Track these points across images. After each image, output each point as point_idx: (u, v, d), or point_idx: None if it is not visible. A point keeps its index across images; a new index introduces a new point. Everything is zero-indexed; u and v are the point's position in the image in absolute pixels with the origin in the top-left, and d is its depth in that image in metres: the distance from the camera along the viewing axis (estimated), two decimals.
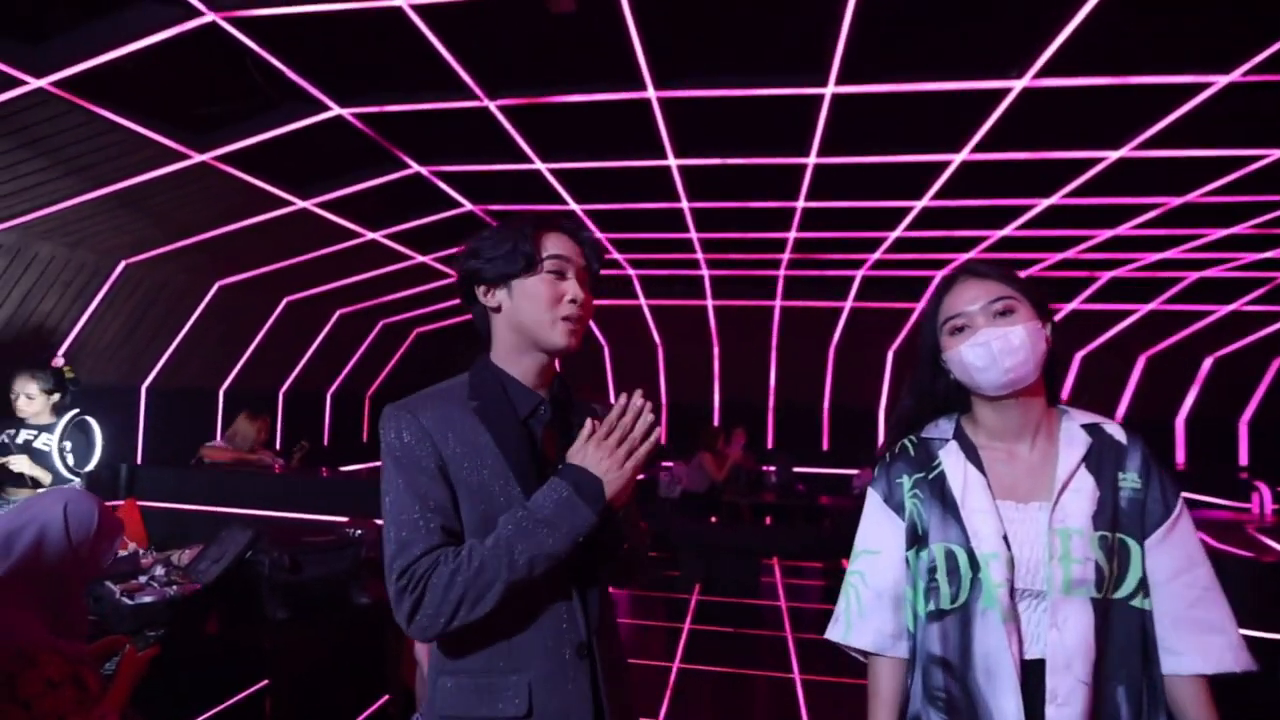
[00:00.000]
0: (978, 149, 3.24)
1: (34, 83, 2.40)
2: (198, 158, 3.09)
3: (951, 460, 1.11)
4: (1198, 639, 1.00)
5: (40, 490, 2.95)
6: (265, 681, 2.20)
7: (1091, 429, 1.09)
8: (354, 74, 2.76)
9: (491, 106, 2.93)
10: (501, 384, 1.10)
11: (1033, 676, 1.00)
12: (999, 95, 2.76)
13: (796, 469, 6.84)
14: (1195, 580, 1.02)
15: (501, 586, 0.96)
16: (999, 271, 1.10)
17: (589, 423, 1.06)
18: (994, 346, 1.03)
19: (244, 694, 2.14)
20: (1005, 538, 1.03)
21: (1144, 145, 3.14)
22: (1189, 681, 1.00)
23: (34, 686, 1.41)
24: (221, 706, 2.13)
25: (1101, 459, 1.06)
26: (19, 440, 3.06)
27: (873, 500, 1.17)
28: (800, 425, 7.79)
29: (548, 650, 1.01)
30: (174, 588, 2.43)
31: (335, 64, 2.67)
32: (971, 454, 1.10)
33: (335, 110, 2.93)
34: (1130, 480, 1.04)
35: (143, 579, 2.49)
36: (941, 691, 1.03)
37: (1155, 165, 3.33)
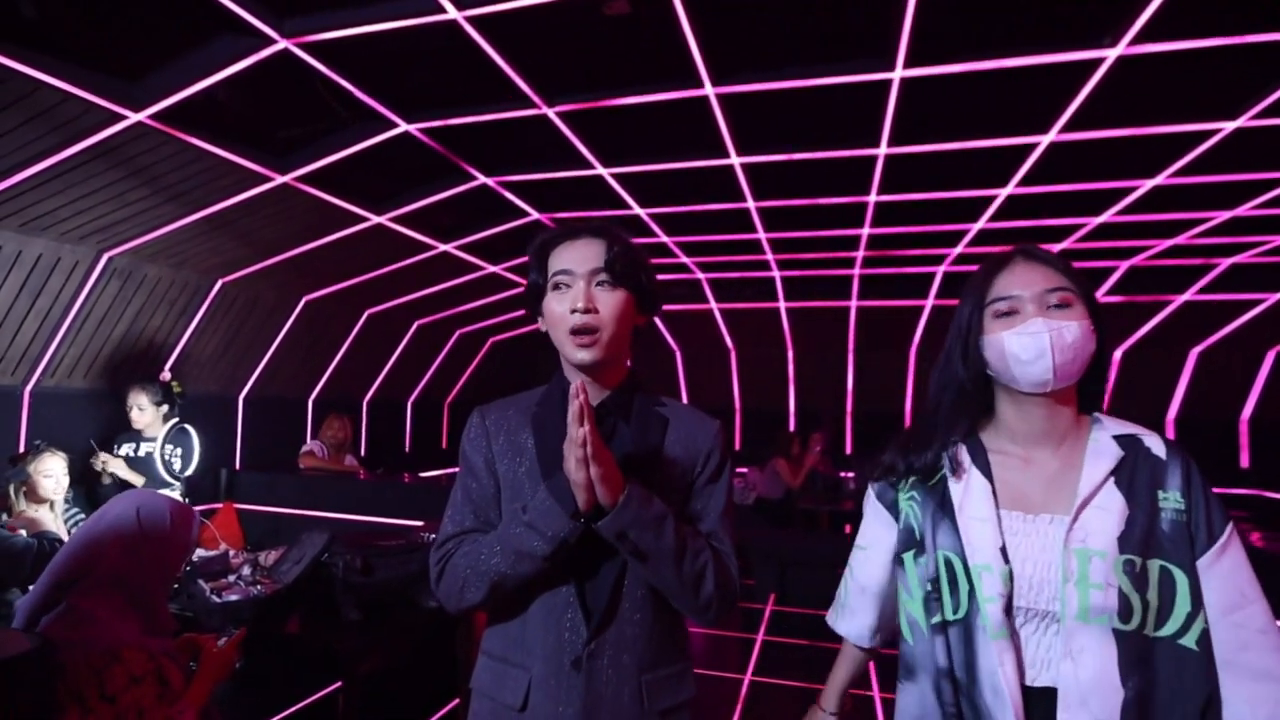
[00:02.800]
0: (1068, 128, 2.99)
1: (134, 116, 2.60)
2: (279, 179, 3.27)
3: (957, 462, 1.03)
4: (1247, 687, 0.88)
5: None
6: (339, 683, 2.27)
7: (1126, 441, 0.97)
8: (418, 90, 2.84)
9: (550, 114, 2.94)
10: (562, 392, 1.12)
11: (1043, 704, 0.91)
12: (1090, 66, 2.53)
13: None
14: (1247, 620, 0.89)
15: (491, 576, 1.02)
16: (1058, 261, 0.99)
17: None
18: (1046, 339, 0.93)
19: (319, 694, 2.20)
20: (1004, 549, 0.95)
21: (1266, 113, 2.80)
22: None
23: (118, 681, 1.49)
24: (297, 707, 2.20)
25: (1135, 475, 0.94)
26: (141, 453, 3.33)
27: (869, 496, 1.15)
28: (880, 430, 7.43)
29: (548, 655, 1.04)
30: (258, 587, 2.55)
31: (400, 82, 2.76)
32: (979, 458, 1.01)
33: (402, 126, 3.03)
34: (1173, 500, 0.92)
35: (231, 578, 2.63)
36: (953, 707, 0.96)
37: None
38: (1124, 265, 5.08)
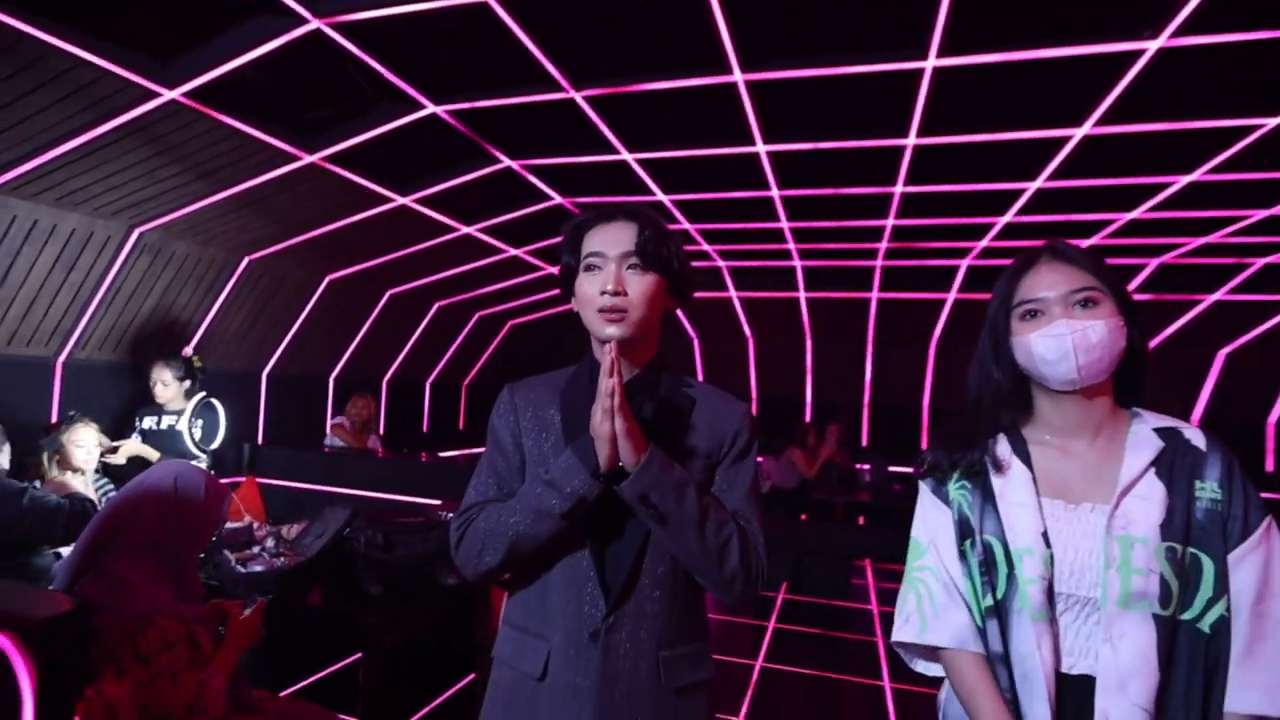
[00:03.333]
0: (1103, 121, 2.93)
1: (166, 94, 2.63)
2: (307, 159, 3.30)
3: (998, 454, 1.05)
4: (1265, 677, 0.90)
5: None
6: (359, 655, 2.32)
7: (1166, 433, 0.99)
8: (446, 72, 2.85)
9: (577, 98, 2.94)
10: (590, 371, 1.15)
11: (1079, 693, 0.93)
12: (1130, 58, 2.48)
13: (893, 468, 6.52)
14: (1271, 610, 0.92)
15: (509, 537, 1.06)
16: (1086, 258, 1.00)
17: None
18: (1069, 341, 0.96)
19: (339, 665, 2.26)
20: (1045, 535, 0.97)
21: None
22: None
23: (152, 645, 1.54)
24: (318, 676, 2.26)
25: (1175, 465, 0.97)
26: (162, 426, 3.40)
27: (923, 492, 1.13)
28: (897, 423, 7.42)
29: (567, 626, 1.06)
30: (281, 559, 2.61)
31: (429, 63, 2.77)
32: (1019, 448, 1.04)
33: (430, 108, 3.04)
34: (1209, 490, 0.95)
35: (255, 549, 2.70)
36: (1008, 692, 0.97)
37: None
38: (1154, 262, 4.99)
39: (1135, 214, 4.06)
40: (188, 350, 3.72)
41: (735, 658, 3.77)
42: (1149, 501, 0.95)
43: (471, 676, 3.02)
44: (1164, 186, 3.64)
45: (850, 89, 2.76)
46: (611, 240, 1.09)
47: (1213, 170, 3.38)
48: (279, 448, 4.71)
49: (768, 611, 4.56)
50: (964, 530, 1.05)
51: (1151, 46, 2.39)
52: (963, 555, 1.04)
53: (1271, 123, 2.86)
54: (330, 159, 3.36)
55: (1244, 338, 6.05)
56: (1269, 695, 0.89)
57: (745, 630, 4.27)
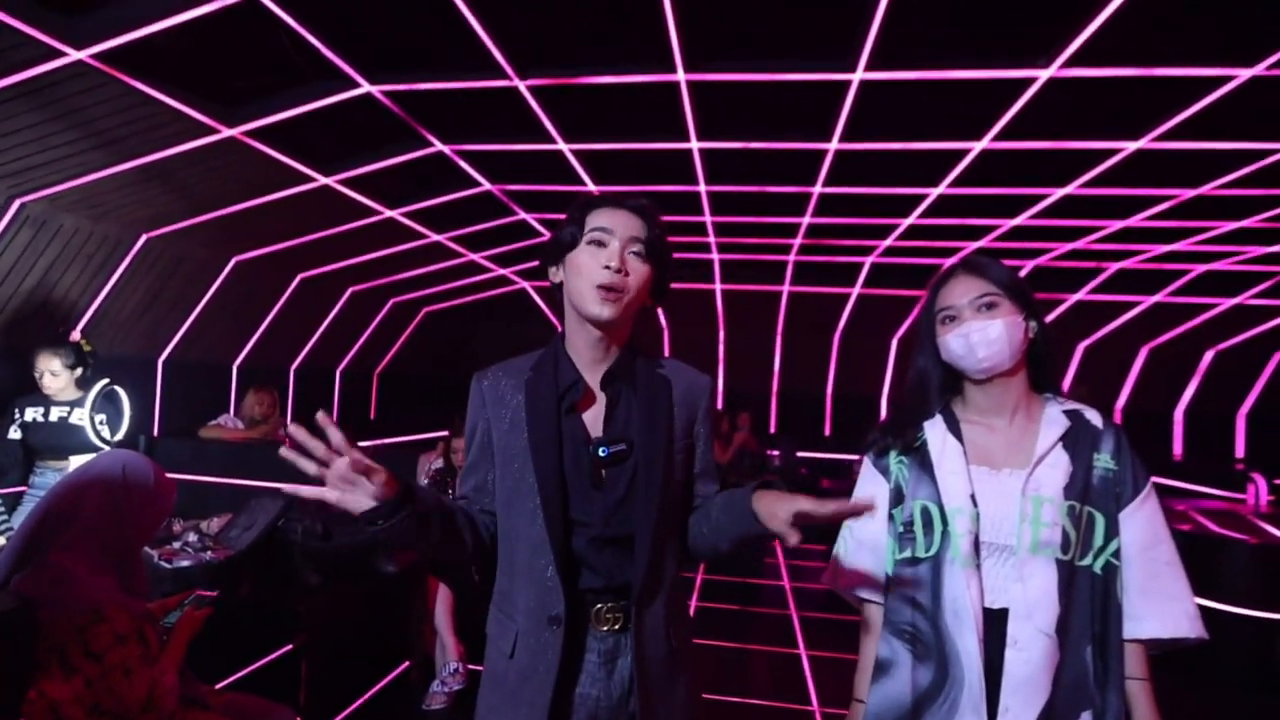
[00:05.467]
0: (999, 137, 3.28)
1: (73, 54, 2.42)
2: (227, 132, 3.11)
3: (933, 432, 1.24)
4: (1158, 606, 1.13)
5: (94, 454, 2.97)
6: (293, 644, 2.27)
7: (1072, 414, 1.22)
8: (386, 51, 2.78)
9: (521, 86, 2.95)
10: (555, 359, 1.17)
11: (997, 624, 1.12)
12: (1025, 84, 2.80)
13: (800, 453, 6.92)
14: (1159, 555, 1.15)
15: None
16: (991, 269, 1.22)
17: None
18: (973, 338, 1.17)
19: (277, 653, 2.21)
20: (973, 496, 1.17)
21: (1163, 137, 3.18)
22: (1143, 647, 1.13)
23: (104, 640, 1.47)
24: (258, 665, 2.20)
25: (1078, 440, 1.18)
26: (51, 418, 3.08)
27: (865, 464, 1.32)
28: (803, 411, 7.86)
29: (530, 611, 1.10)
30: (208, 553, 2.50)
31: (368, 40, 2.69)
32: (953, 426, 1.24)
33: (365, 87, 2.94)
34: (1104, 461, 1.17)
35: (176, 545, 2.56)
36: (909, 627, 1.17)
37: (1171, 157, 3.38)
38: (1030, 265, 5.58)
39: (1017, 220, 4.53)
40: (75, 335, 3.40)
41: None
42: (1056, 468, 1.16)
43: (407, 664, 3.00)
44: (1043, 198, 4.10)
45: (785, 94, 2.94)
46: (621, 223, 1.12)
47: (1082, 185, 3.85)
48: (178, 439, 4.40)
49: (689, 591, 4.76)
50: (897, 497, 1.24)
51: (1043, 75, 2.71)
52: (891, 518, 1.24)
53: (1133, 146, 3.30)
54: (251, 134, 3.18)
55: (1099, 332, 6.87)
56: (1163, 621, 1.12)
57: None
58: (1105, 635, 1.12)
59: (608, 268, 1.09)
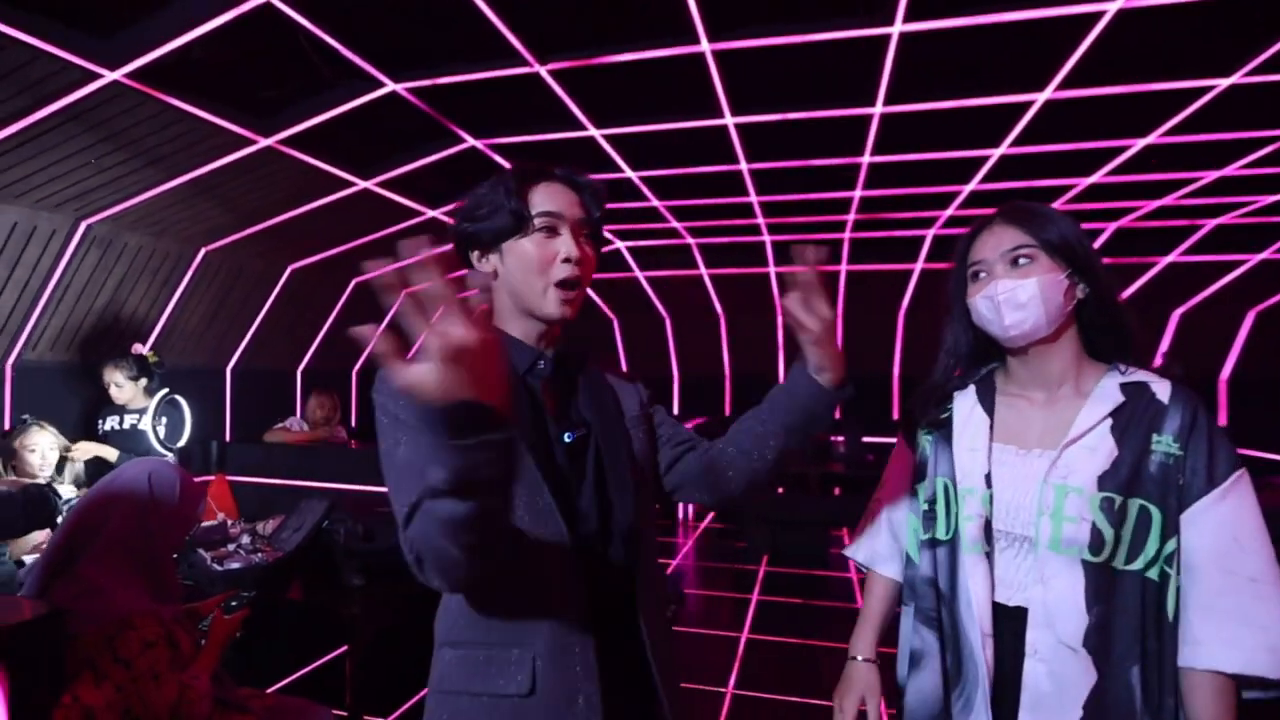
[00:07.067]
0: (1064, 85, 2.97)
1: (109, 75, 2.50)
2: (263, 142, 3.18)
3: (962, 404, 1.12)
4: (1228, 631, 0.89)
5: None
6: (345, 647, 2.28)
7: (1133, 387, 1.00)
8: (405, 47, 2.76)
9: (542, 72, 2.87)
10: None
11: (1015, 622, 0.99)
12: (1091, 20, 2.51)
13: (866, 439, 6.63)
14: (1239, 567, 0.91)
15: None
16: (1032, 218, 1.02)
17: None
18: (999, 299, 1.01)
19: (325, 658, 2.23)
20: (988, 476, 1.04)
21: (1261, 69, 2.80)
22: (1206, 679, 0.89)
23: (132, 647, 1.49)
24: (304, 671, 2.23)
25: (1132, 419, 0.98)
26: (124, 426, 3.27)
27: (899, 438, 1.25)
28: (869, 394, 7.53)
29: (555, 630, 0.91)
30: (259, 555, 2.55)
31: (386, 37, 2.67)
32: (987, 397, 1.10)
33: (389, 86, 2.94)
34: (1164, 444, 0.95)
35: (231, 547, 2.63)
36: (933, 612, 1.07)
37: (1273, 92, 2.98)
38: (1111, 226, 5.12)
39: (1094, 178, 4.14)
40: (139, 348, 3.57)
41: (720, 630, 3.82)
42: (1094, 453, 0.98)
43: None
44: (1121, 150, 3.72)
45: (818, 58, 2.75)
46: (566, 203, 0.99)
47: (1166, 134, 3.46)
48: (247, 444, 4.59)
49: (751, 585, 4.63)
50: (921, 472, 1.14)
51: (1111, 8, 2.42)
52: (915, 493, 1.14)
53: (1223, 84, 2.93)
54: (286, 142, 3.24)
55: (1197, 298, 6.26)
56: (1230, 650, 0.89)
57: (729, 604, 4.32)
58: (1161, 659, 0.92)
59: (568, 260, 0.96)
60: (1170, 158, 3.79)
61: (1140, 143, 3.59)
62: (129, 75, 2.51)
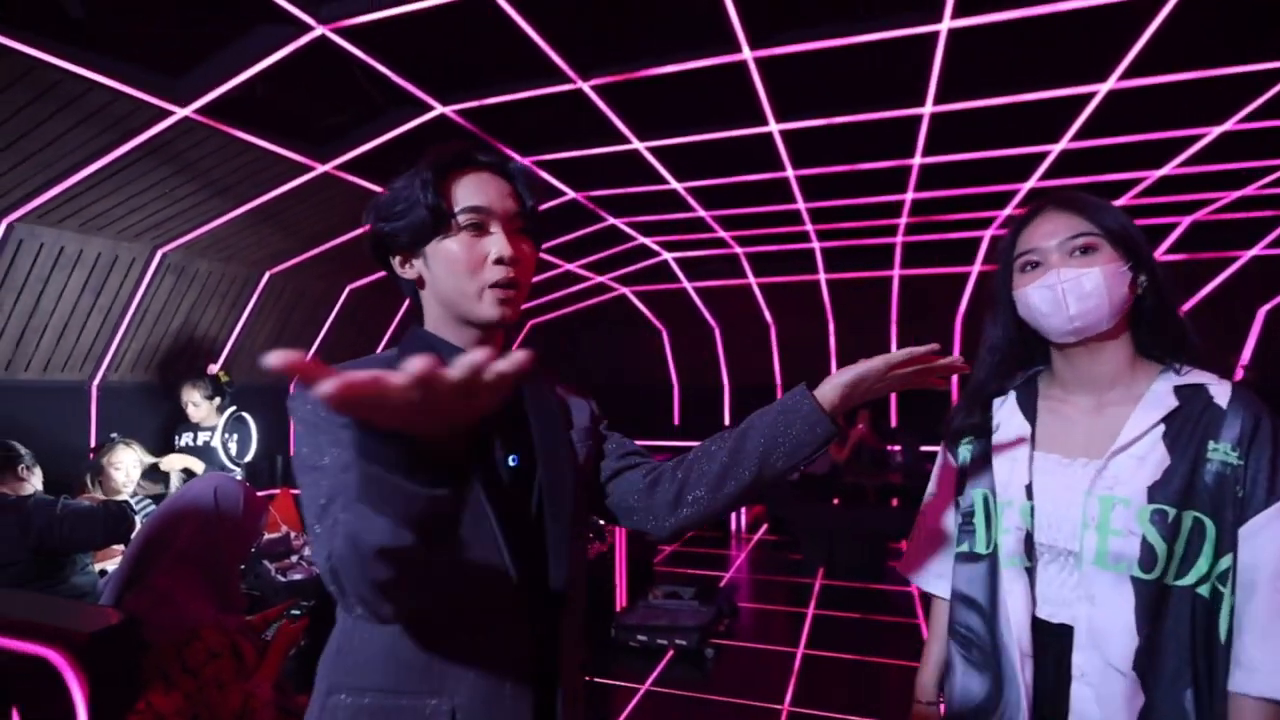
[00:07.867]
0: (1128, 75, 2.83)
1: (179, 112, 2.65)
2: (320, 169, 3.31)
3: (1002, 410, 1.06)
4: (1278, 656, 0.82)
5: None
6: None
7: (1189, 390, 0.92)
8: (451, 71, 2.84)
9: (585, 87, 2.91)
10: (438, 352, 0.95)
11: (1056, 643, 0.93)
12: (1153, 5, 2.38)
13: (925, 448, 6.41)
14: None
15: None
16: (1090, 204, 0.95)
17: None
18: (1060, 289, 0.92)
19: None
20: (1028, 487, 0.97)
21: None
22: (1260, 707, 0.83)
23: (198, 656, 1.55)
24: None
25: (1186, 425, 0.90)
26: (199, 442, 3.47)
27: (942, 448, 1.17)
28: (927, 403, 7.29)
29: (484, 675, 0.80)
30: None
31: (433, 62, 2.76)
32: (1028, 404, 1.04)
33: (438, 109, 3.03)
34: (1221, 452, 0.87)
35: (294, 558, 2.72)
36: (964, 629, 1.02)
37: None
38: (1187, 220, 4.84)
39: (1165, 170, 3.93)
40: (213, 368, 3.77)
41: (776, 645, 3.73)
42: (1144, 462, 0.90)
43: None
44: (1195, 140, 3.52)
45: (863, 59, 2.70)
46: (495, 195, 0.87)
47: (1244, 119, 3.26)
48: None
49: (806, 599, 4.52)
50: (960, 484, 1.08)
51: None
52: (956, 505, 1.09)
53: None
54: (342, 167, 3.37)
55: None
56: None
57: (784, 618, 4.23)
58: (1212, 680, 0.85)
59: (500, 261, 0.84)
60: (1250, 145, 3.56)
61: (1215, 130, 3.39)
62: (197, 111, 2.67)
